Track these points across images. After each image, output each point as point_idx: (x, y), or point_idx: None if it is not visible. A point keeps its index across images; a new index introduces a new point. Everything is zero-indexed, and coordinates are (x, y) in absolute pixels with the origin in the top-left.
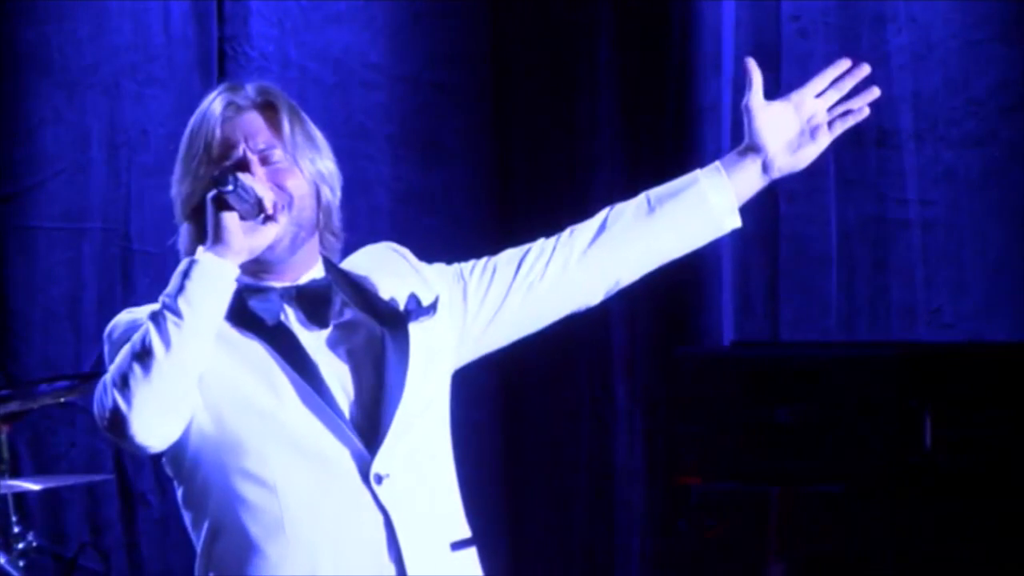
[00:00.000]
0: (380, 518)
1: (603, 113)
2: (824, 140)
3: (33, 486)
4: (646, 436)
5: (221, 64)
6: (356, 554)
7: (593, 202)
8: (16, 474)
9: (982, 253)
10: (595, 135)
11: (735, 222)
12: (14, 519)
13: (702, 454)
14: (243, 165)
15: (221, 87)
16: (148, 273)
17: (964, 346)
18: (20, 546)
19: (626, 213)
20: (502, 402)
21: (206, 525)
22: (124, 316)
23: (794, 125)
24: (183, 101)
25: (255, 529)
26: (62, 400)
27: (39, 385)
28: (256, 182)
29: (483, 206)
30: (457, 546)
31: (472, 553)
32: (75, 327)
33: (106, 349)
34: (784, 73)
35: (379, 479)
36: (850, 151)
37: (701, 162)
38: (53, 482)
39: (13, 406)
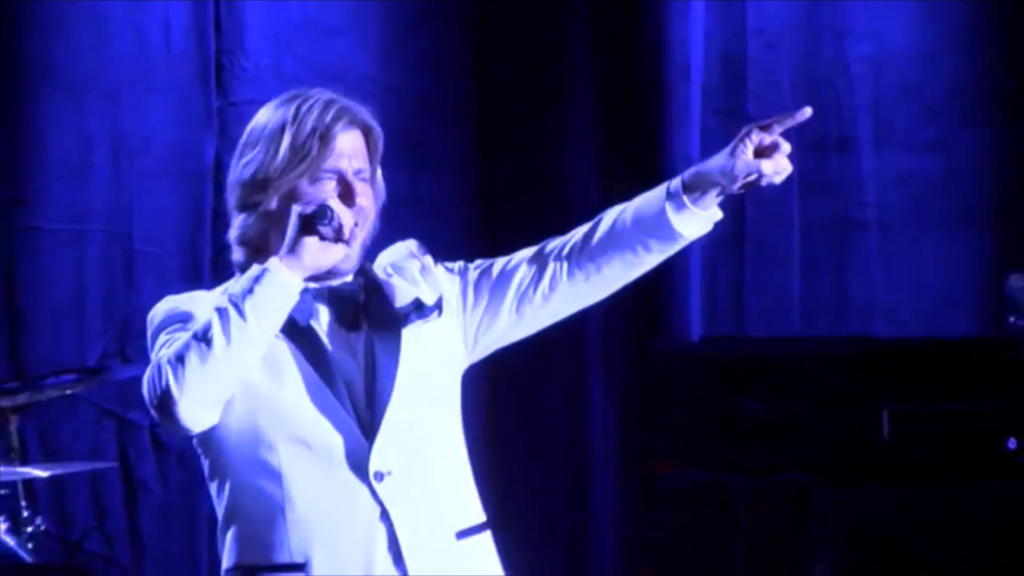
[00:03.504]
0: (377, 511)
1: (579, 123)
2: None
3: (41, 473)
4: (619, 427)
5: (219, 76)
6: (350, 544)
7: (572, 207)
8: (25, 462)
9: (937, 253)
10: (572, 143)
11: (710, 226)
12: (23, 504)
13: (672, 445)
14: (348, 189)
15: (329, 94)
16: (150, 272)
17: (920, 342)
18: (29, 530)
19: (606, 241)
20: (479, 395)
21: (222, 510)
22: (164, 305)
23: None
24: (182, 110)
25: (259, 514)
26: (68, 392)
27: (47, 378)
28: (344, 210)
29: (469, 209)
30: (464, 534)
31: (483, 537)
32: (79, 324)
33: (149, 334)
34: (750, 83)
35: (379, 476)
36: (812, 156)
37: (672, 170)
38: (60, 469)
39: (22, 398)
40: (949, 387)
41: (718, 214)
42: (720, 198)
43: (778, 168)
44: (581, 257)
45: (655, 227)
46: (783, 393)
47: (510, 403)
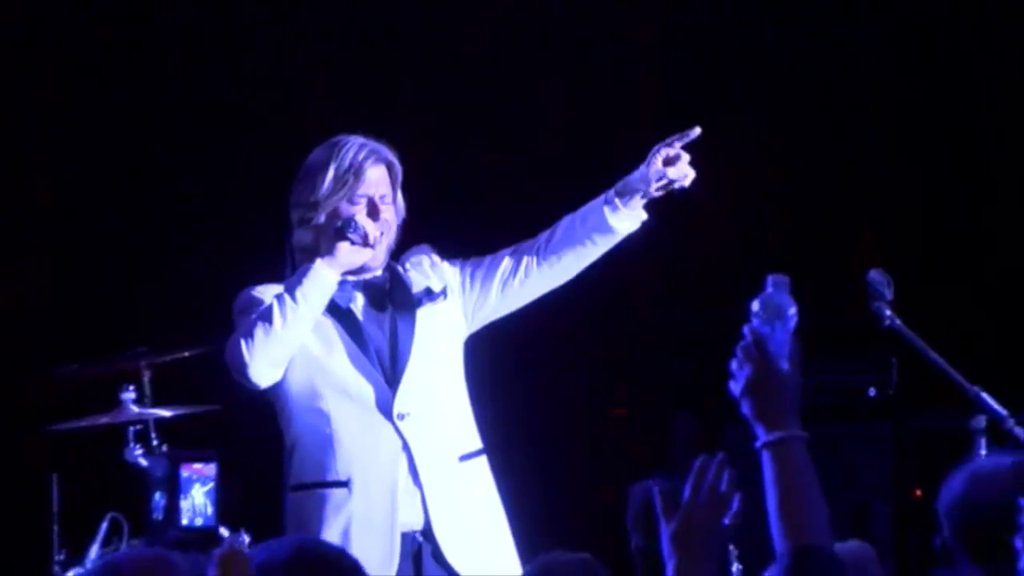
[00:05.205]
0: (399, 443)
1: None
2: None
3: (166, 413)
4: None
5: None
6: (380, 467)
7: None
8: (155, 405)
9: None
10: None
11: (638, 223)
12: (153, 436)
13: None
14: (374, 209)
15: (362, 139)
16: None
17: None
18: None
19: (562, 239)
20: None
21: (288, 441)
22: (245, 294)
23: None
24: None
25: (313, 445)
26: (186, 354)
27: (168, 345)
28: (369, 223)
29: None
30: (465, 458)
31: (480, 460)
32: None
33: (234, 312)
34: None
35: (401, 416)
36: None
37: None
38: (179, 411)
39: (153, 358)
40: (830, 352)
41: (644, 214)
42: (644, 200)
43: (682, 173)
44: (546, 251)
45: (596, 225)
46: (708, 355)
47: (507, 366)
